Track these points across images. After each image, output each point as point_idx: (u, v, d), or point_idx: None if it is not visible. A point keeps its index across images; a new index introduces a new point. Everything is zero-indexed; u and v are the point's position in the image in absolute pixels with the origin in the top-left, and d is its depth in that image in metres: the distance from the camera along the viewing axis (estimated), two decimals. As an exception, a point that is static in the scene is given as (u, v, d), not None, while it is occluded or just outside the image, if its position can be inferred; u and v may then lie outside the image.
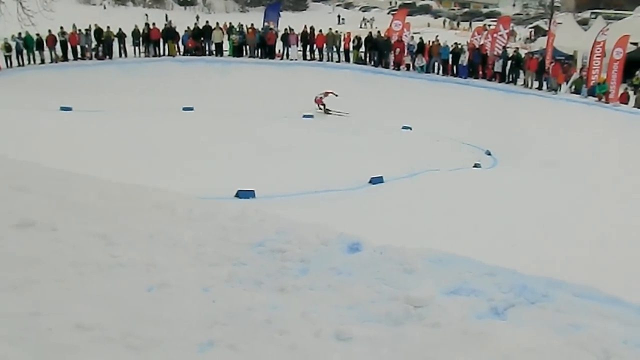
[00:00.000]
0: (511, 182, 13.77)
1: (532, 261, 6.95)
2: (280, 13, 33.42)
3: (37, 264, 3.47)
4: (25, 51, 26.14)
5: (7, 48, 25.86)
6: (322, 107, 22.78)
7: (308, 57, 28.56)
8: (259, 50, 28.36)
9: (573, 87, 24.96)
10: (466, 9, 68.01)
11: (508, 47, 27.75)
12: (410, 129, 20.79)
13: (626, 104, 23.10)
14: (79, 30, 27.30)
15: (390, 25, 28.92)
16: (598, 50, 24.41)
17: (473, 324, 3.11)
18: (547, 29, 33.07)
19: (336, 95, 22.55)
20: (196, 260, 3.86)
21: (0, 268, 3.38)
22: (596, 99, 23.33)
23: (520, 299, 3.34)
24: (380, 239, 5.14)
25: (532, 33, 46.11)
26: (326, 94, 22.68)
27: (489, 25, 34.10)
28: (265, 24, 30.48)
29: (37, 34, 25.39)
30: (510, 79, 25.94)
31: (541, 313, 3.20)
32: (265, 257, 3.97)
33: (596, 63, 24.37)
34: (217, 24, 29.44)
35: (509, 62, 26.03)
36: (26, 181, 4.70)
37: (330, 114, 22.02)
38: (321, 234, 4.30)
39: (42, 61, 26.76)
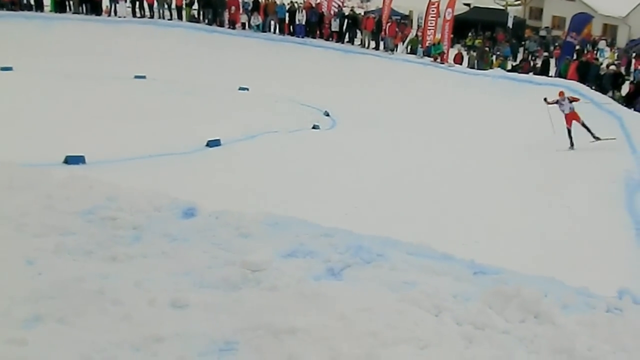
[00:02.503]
0: (349, 143, 14.17)
1: (371, 222, 7.19)
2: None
3: None
4: None
5: None
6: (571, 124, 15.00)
7: (138, 15, 27.32)
8: (84, 6, 26.63)
9: (409, 47, 25.95)
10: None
11: (345, 7, 28.26)
12: (248, 89, 20.65)
13: (460, 64, 24.40)
14: None
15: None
16: (433, 10, 25.38)
17: (310, 285, 3.15)
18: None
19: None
20: (19, 231, 3.64)
21: None
22: (431, 59, 24.43)
23: (356, 259, 3.43)
24: (217, 204, 5.08)
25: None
26: (571, 99, 15.22)
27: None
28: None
29: None
30: (348, 39, 26.48)
31: (376, 272, 3.31)
32: (95, 225, 3.80)
33: (431, 24, 25.33)
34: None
35: (346, 22, 26.52)
36: None
37: (597, 140, 14.65)
38: (154, 200, 4.15)
39: None
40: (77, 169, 9.43)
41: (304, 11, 26.88)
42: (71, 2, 26.58)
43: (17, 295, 2.95)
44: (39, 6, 26.28)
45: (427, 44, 25.08)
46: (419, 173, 11.89)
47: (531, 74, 23.04)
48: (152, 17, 27.38)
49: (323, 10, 27.09)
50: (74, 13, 26.52)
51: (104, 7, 26.98)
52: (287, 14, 26.88)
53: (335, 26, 26.52)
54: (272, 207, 5.10)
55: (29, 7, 26.24)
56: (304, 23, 26.67)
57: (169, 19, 27.54)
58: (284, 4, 27.31)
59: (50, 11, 26.47)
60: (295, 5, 27.45)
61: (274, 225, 3.87)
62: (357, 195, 10.04)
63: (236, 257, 3.41)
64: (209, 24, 27.45)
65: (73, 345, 2.65)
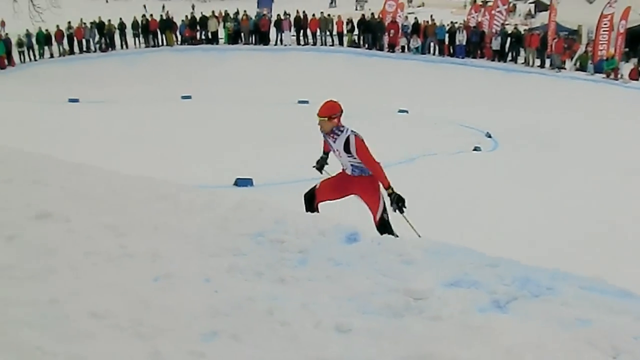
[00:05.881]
0: (513, 166, 13.62)
1: (537, 252, 6.85)
2: (273, -1, 33.27)
3: (54, 253, 3.61)
4: (36, 46, 26.78)
5: (20, 44, 26.58)
6: None
7: (302, 42, 28.46)
8: (254, 37, 28.28)
9: (578, 63, 24.41)
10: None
11: (507, 24, 27.48)
12: (407, 112, 20.69)
13: (636, 80, 22.36)
14: (84, 24, 27.74)
15: (384, 6, 28.76)
16: (605, 24, 23.64)
17: (474, 317, 3.08)
18: (548, 3, 32.80)
19: None
20: (198, 251, 3.93)
21: (22, 258, 3.53)
22: (604, 75, 22.80)
23: (524, 291, 3.29)
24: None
25: (533, 8, 45.54)
26: None
27: (487, 2, 33.90)
28: (259, 10, 30.36)
29: (46, 30, 25.98)
30: (511, 58, 25.67)
31: (546, 307, 3.14)
32: (265, 247, 3.99)
33: (603, 37, 23.61)
34: (213, 12, 29.46)
35: (509, 40, 25.72)
36: (41, 174, 4.96)
37: None
38: (319, 224, 4.29)
39: (52, 55, 27.56)
40: (246, 192, 9.96)
41: (464, 31, 26.51)
42: (243, 34, 28.31)
43: (196, 311, 3.15)
44: (215, 39, 28.38)
45: (598, 59, 23.52)
46: (588, 198, 11.04)
47: None
48: (314, 44, 28.40)
49: (484, 29, 26.54)
50: (245, 44, 28.29)
51: (271, 37, 28.47)
52: (446, 35, 26.65)
53: (496, 45, 25.87)
54: (433, 233, 5.06)
55: (206, 41, 28.44)
56: (464, 43, 26.29)
57: (330, 45, 28.39)
58: (443, 25, 27.13)
59: (224, 43, 28.44)
60: (455, 25, 27.15)
61: (436, 253, 3.83)
62: (521, 221, 9.58)
63: (399, 284, 3.42)
64: (369, 48, 27.95)
65: (246, 361, 2.81)
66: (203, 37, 28.68)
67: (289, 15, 28.92)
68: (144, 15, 29.68)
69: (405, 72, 25.11)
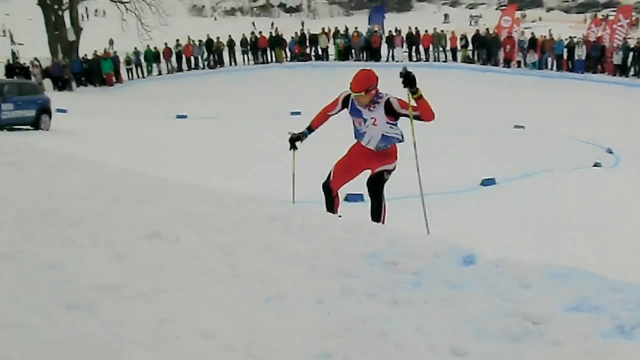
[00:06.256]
0: (637, 183, 12.89)
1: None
2: (385, 15, 33.39)
3: (164, 273, 3.64)
4: (144, 64, 28.04)
5: (128, 62, 27.93)
6: None
7: (414, 58, 28.38)
8: (364, 53, 28.49)
9: None
10: (581, 0, 64.86)
11: (629, 38, 26.30)
12: (523, 127, 20.10)
13: None
14: (192, 41, 28.81)
15: (499, 22, 28.30)
16: None
17: (598, 343, 2.94)
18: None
19: None
20: (310, 271, 3.90)
21: (132, 277, 3.58)
22: None
23: (650, 317, 3.11)
24: (495, 248, 4.97)
25: (657, 21, 43.11)
26: None
27: (607, 16, 32.42)
28: (370, 26, 30.57)
29: (155, 48, 27.20)
30: (633, 72, 24.54)
31: (677, 334, 2.95)
32: (378, 269, 3.95)
33: None
34: (323, 29, 29.92)
35: (631, 54, 24.61)
36: (150, 194, 4.96)
37: None
38: (433, 246, 4.22)
39: (159, 72, 28.55)
40: (358, 207, 9.96)
41: (583, 46, 25.51)
42: (353, 50, 28.60)
43: (308, 332, 3.13)
44: (325, 56, 28.82)
45: None
46: None
47: None
48: (427, 59, 28.24)
49: (604, 43, 25.43)
50: (355, 60, 28.54)
51: (382, 54, 28.55)
52: (565, 50, 25.73)
53: (618, 59, 24.74)
54: (552, 254, 4.88)
55: (316, 58, 28.92)
56: (583, 58, 25.28)
57: (443, 61, 28.14)
58: (562, 40, 26.23)
59: (334, 59, 28.81)
60: (574, 40, 26.18)
61: (556, 276, 3.69)
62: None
63: (517, 307, 3.32)
64: (484, 63, 27.50)
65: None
66: (313, 53, 29.13)
67: (400, 31, 28.92)
68: (252, 33, 30.61)
69: (522, 88, 24.47)
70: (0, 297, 3.02)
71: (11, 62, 29.50)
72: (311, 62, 28.88)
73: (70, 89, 29.00)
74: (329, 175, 5.80)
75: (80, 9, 36.07)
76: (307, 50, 29.29)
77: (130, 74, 28.60)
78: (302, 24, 43.38)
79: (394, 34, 28.93)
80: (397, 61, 28.21)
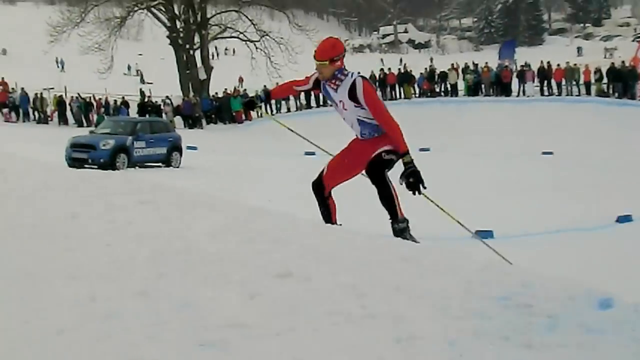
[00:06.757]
0: None
1: None
2: (516, 49, 32.94)
3: (295, 312, 3.60)
4: (273, 101, 28.99)
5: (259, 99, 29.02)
6: None
7: (545, 93, 27.75)
8: (495, 88, 28.22)
9: None
10: None
11: None
12: (663, 163, 19.10)
13: None
14: (321, 79, 29.72)
15: (636, 54, 27.09)
16: None
17: None
18: None
19: None
20: (442, 312, 3.91)
21: (264, 316, 3.80)
22: None
23: None
24: (633, 290, 4.82)
25: None
26: None
27: None
28: (500, 61, 30.28)
29: None
30: None
31: None
32: (511, 311, 3.89)
33: None
34: (452, 64, 29.94)
35: None
36: (282, 233, 5.12)
37: None
38: (568, 288, 4.12)
39: (288, 110, 29.45)
40: (490, 254, 9.88)
41: None
42: (483, 85, 28.41)
43: None
44: (454, 92, 28.79)
45: None
46: None
47: None
48: (559, 94, 27.53)
49: None
50: (485, 95, 28.27)
51: (513, 88, 28.13)
52: None
53: None
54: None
55: (445, 93, 28.96)
56: None
57: (577, 95, 27.31)
58: None
59: (464, 95, 28.70)
60: None
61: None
62: None
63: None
64: (620, 97, 26.35)
65: None
66: (442, 89, 29.20)
67: (530, 65, 28.46)
68: (381, 69, 30.89)
69: (662, 122, 23.24)
70: (136, 334, 3.05)
71: (141, 101, 30.98)
72: (440, 97, 28.89)
73: (201, 126, 30.27)
74: (322, 172, 5.19)
75: (210, 48, 37.64)
76: (436, 86, 29.41)
77: (259, 111, 29.61)
78: (431, 59, 43.48)
79: (525, 68, 28.50)
80: (529, 96, 27.68)
